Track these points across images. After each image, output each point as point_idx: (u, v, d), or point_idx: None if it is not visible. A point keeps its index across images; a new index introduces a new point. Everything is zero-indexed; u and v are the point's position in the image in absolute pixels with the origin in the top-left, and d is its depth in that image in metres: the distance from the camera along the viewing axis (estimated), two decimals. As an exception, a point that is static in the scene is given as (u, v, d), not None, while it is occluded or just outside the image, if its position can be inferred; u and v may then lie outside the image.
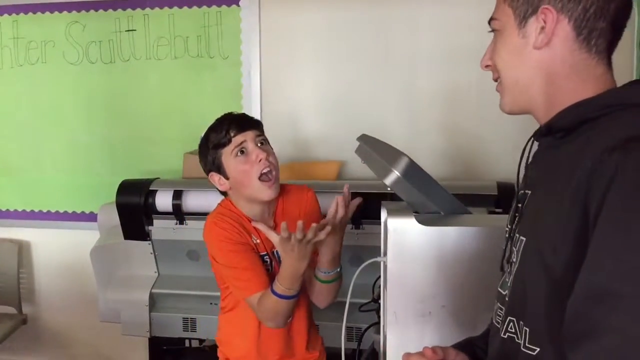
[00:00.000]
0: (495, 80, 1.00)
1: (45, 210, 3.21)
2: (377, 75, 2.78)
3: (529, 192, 0.96)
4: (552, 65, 0.90)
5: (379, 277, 1.47)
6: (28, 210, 3.23)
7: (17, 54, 3.13)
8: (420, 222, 1.30)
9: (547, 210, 0.86)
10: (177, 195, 2.46)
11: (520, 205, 0.98)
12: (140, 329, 2.59)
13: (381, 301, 1.42)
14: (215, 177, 1.65)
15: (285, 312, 1.59)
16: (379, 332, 1.46)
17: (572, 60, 0.89)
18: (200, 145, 1.68)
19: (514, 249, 0.95)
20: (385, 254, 1.36)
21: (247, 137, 1.59)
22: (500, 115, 1.09)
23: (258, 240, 1.66)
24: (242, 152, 1.59)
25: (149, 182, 2.52)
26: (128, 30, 3.01)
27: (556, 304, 0.82)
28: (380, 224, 1.44)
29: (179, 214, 2.46)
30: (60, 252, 3.24)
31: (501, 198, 2.22)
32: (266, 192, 1.60)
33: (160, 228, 2.52)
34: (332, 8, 2.80)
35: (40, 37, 3.09)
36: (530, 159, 0.99)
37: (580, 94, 0.89)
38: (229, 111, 1.70)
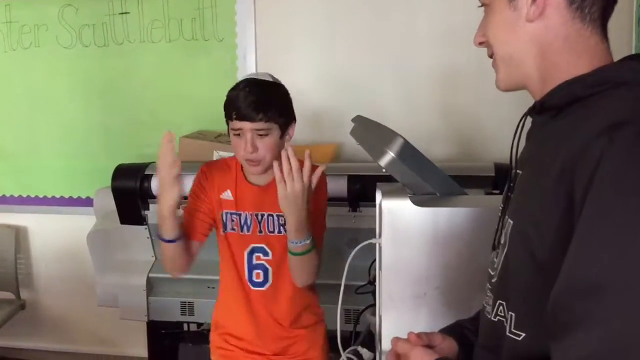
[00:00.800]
0: (491, 57, 0.97)
1: (41, 196, 3.21)
2: (373, 56, 2.76)
3: (520, 172, 0.94)
4: (545, 38, 0.87)
5: (375, 259, 1.46)
6: (24, 195, 3.23)
7: (10, 38, 3.10)
8: (415, 203, 1.28)
9: (532, 192, 0.85)
10: (173, 179, 2.44)
11: (512, 185, 0.97)
12: (138, 313, 2.59)
13: (377, 283, 1.42)
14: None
15: (170, 257, 1.65)
16: (374, 314, 1.46)
17: (565, 31, 0.86)
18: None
19: (503, 231, 0.94)
20: (380, 235, 1.35)
21: (245, 127, 1.58)
22: (498, 95, 1.07)
23: (231, 198, 1.69)
24: (239, 133, 1.60)
25: (144, 166, 2.51)
26: (122, 13, 2.98)
27: (540, 289, 0.80)
28: (376, 206, 1.43)
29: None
30: (57, 237, 3.24)
31: (499, 179, 2.21)
32: (249, 170, 1.66)
33: (156, 212, 2.50)
34: (327, -11, 2.77)
35: (33, 21, 3.06)
36: (525, 137, 0.97)
37: (575, 67, 0.86)
38: (226, 93, 1.64)
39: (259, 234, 1.69)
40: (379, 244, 1.34)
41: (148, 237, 2.56)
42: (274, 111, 1.60)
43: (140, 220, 2.53)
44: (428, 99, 2.75)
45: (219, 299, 1.83)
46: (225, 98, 1.63)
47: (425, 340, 1.02)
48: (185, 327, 2.79)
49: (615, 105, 0.78)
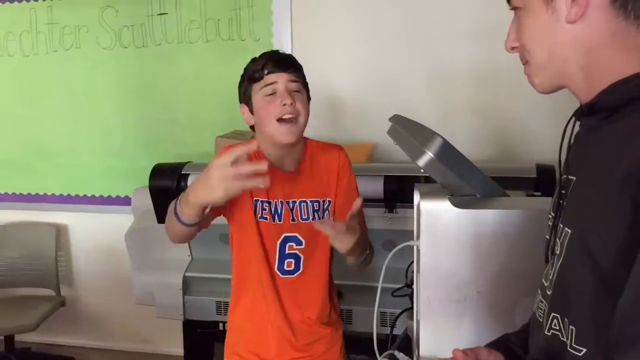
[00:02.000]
0: (524, 63, 0.92)
1: (81, 194, 3.26)
2: (410, 54, 2.72)
3: (573, 178, 0.89)
4: (589, 39, 0.82)
5: (412, 261, 1.43)
6: (65, 194, 3.29)
7: (52, 40, 3.16)
8: (455, 204, 1.25)
9: (594, 199, 0.79)
10: (209, 178, 2.45)
11: (563, 191, 0.91)
12: (174, 312, 2.61)
13: (414, 286, 1.38)
14: (244, 109, 1.62)
15: (178, 234, 1.52)
16: (412, 318, 1.43)
17: (609, 30, 0.81)
18: (242, 75, 1.64)
19: (558, 240, 0.88)
20: (418, 237, 1.31)
21: (280, 79, 1.52)
22: (537, 94, 1.03)
23: (261, 185, 1.46)
24: (270, 93, 1.53)
25: (181, 165, 2.52)
26: (160, 14, 3.01)
27: (604, 302, 0.75)
28: (413, 207, 1.40)
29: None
30: (97, 235, 3.30)
31: (540, 181, 2.15)
32: (284, 135, 1.52)
33: (188, 194, 2.51)
34: (364, -13, 2.74)
35: (74, 22, 3.12)
36: (572, 141, 0.91)
37: (624, 67, 0.81)
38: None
39: (291, 222, 1.61)
40: (417, 247, 1.31)
41: (184, 237, 2.57)
42: (302, 72, 1.60)
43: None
44: (466, 98, 2.70)
45: (237, 299, 1.71)
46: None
47: (471, 357, 0.98)
48: (221, 326, 2.79)
49: None
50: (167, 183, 2.48)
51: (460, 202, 1.26)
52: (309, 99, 1.62)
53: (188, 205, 1.37)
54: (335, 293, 1.78)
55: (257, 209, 1.59)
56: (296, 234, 1.62)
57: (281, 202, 1.61)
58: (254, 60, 1.59)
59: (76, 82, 3.16)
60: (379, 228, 2.31)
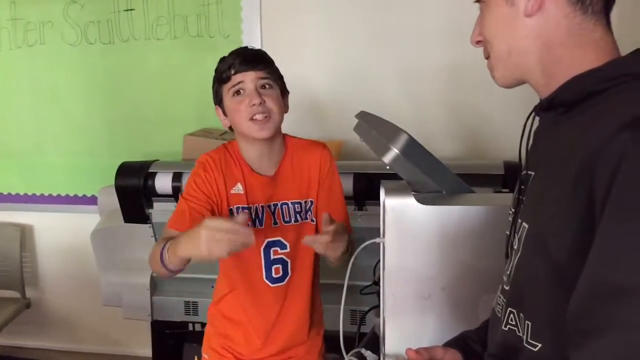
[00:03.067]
0: (487, 58, 0.93)
1: (47, 194, 3.19)
2: (380, 52, 2.72)
3: (532, 173, 0.89)
4: (546, 33, 0.83)
5: (380, 259, 1.43)
6: (30, 193, 3.21)
7: (16, 36, 3.08)
8: (420, 201, 1.24)
9: (549, 193, 0.80)
10: (177, 177, 2.42)
11: (523, 187, 0.92)
12: (141, 312, 2.57)
13: (380, 283, 1.38)
14: (219, 111, 1.60)
15: (160, 274, 1.50)
16: (379, 316, 1.42)
17: (567, 24, 0.82)
18: (214, 76, 1.62)
19: (516, 235, 0.89)
20: (384, 234, 1.31)
21: (247, 78, 1.50)
22: (506, 92, 1.03)
23: (242, 191, 1.57)
24: (238, 92, 1.51)
25: (149, 164, 2.49)
26: (127, 10, 2.95)
27: (559, 297, 0.75)
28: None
29: (178, 196, 2.42)
30: (62, 235, 3.23)
31: (508, 178, 2.16)
32: (258, 132, 1.51)
33: (161, 210, 2.48)
34: (334, -16, 2.73)
35: (38, 18, 3.04)
36: (532, 136, 0.92)
37: (581, 62, 0.82)
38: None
39: (273, 225, 1.60)
40: (383, 244, 1.31)
41: (152, 236, 2.53)
42: (273, 66, 1.57)
43: (144, 219, 2.51)
44: (435, 96, 2.70)
45: (221, 296, 1.71)
46: None
47: (425, 356, 0.98)
48: (190, 327, 2.76)
49: (633, 99, 0.74)
50: (133, 182, 2.44)
51: (425, 198, 1.26)
52: (285, 92, 1.61)
53: (175, 254, 1.36)
54: (319, 295, 1.77)
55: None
56: (279, 238, 1.61)
57: (262, 206, 1.59)
58: (222, 59, 1.57)
59: (41, 79, 3.09)
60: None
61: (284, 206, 1.61)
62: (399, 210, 1.25)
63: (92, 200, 3.01)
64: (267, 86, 1.52)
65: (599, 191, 0.69)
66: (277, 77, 1.57)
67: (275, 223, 1.60)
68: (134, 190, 2.44)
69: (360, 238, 2.21)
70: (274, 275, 1.62)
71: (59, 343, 3.34)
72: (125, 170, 2.48)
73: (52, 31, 3.03)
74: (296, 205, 1.60)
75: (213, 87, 1.60)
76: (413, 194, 1.26)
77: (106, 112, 3.02)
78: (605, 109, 0.75)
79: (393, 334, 1.28)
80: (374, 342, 1.65)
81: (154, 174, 2.45)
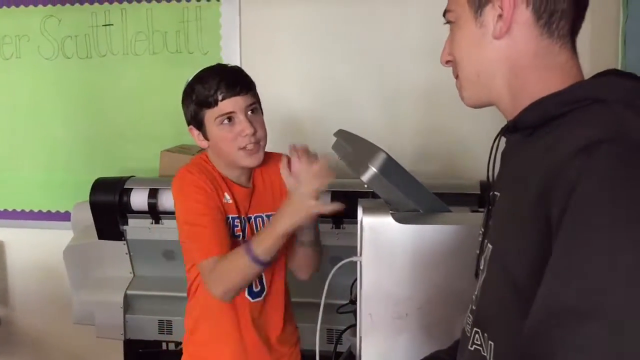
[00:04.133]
0: (456, 77, 0.94)
1: (19, 209, 3.13)
2: (357, 71, 2.74)
3: (498, 194, 0.90)
4: (514, 56, 0.84)
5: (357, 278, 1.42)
6: (2, 209, 3.14)
7: (-9, 49, 3.04)
8: (397, 220, 1.24)
9: (511, 215, 0.81)
10: (153, 193, 2.39)
11: (490, 207, 0.93)
12: (114, 331, 2.52)
13: (357, 302, 1.37)
14: (194, 132, 1.55)
15: (246, 281, 1.48)
16: (355, 335, 1.41)
17: (534, 48, 0.83)
18: (185, 91, 1.54)
19: (483, 256, 0.89)
20: (361, 253, 1.30)
21: (237, 107, 1.46)
22: (483, 112, 1.04)
23: (231, 201, 1.54)
24: (229, 119, 1.47)
25: (124, 180, 2.46)
26: (105, 25, 2.93)
27: (519, 318, 0.74)
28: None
29: (154, 213, 2.40)
30: (35, 252, 3.16)
31: (484, 197, 2.18)
32: (247, 160, 1.50)
33: (136, 227, 2.45)
34: (313, 3, 2.75)
35: (14, 32, 3.00)
36: (500, 157, 0.93)
37: (547, 85, 0.83)
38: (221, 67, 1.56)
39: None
40: (360, 262, 1.30)
41: (126, 253, 2.50)
42: (254, 85, 1.53)
43: (119, 236, 2.47)
44: (413, 115, 2.72)
45: (196, 325, 1.67)
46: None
47: None
48: (164, 346, 2.71)
49: (591, 124, 0.74)
50: (108, 198, 2.41)
51: (403, 217, 1.26)
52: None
53: (276, 239, 1.41)
54: (292, 310, 1.75)
55: (232, 227, 1.55)
56: None
57: (243, 218, 1.58)
58: (201, 80, 1.49)
59: (16, 92, 3.04)
60: (326, 244, 2.29)
61: (257, 219, 1.60)
62: (377, 229, 1.25)
63: (66, 217, 2.96)
64: (254, 110, 1.50)
65: (554, 213, 0.70)
66: (258, 99, 1.56)
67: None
68: (109, 207, 2.41)
69: (337, 256, 2.21)
70: (254, 288, 1.59)
71: (29, 362, 3.25)
72: (100, 186, 2.45)
73: (29, 45, 2.99)
74: (270, 218, 1.58)
75: (187, 106, 1.54)
76: (391, 213, 1.26)
77: (82, 127, 2.98)
78: (564, 132, 0.76)
79: (369, 353, 1.27)
80: (351, 361, 1.64)
81: (129, 190, 2.42)
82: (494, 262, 0.84)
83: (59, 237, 2.85)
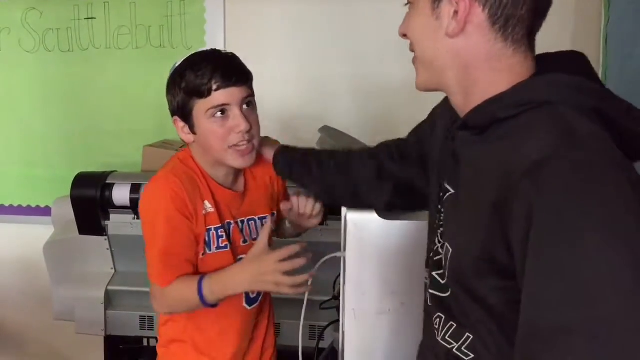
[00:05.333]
0: (412, 51, 0.94)
1: (-1, 204, 3.09)
2: (344, 68, 2.74)
3: (452, 189, 0.91)
4: (465, 55, 0.84)
5: (340, 273, 1.42)
6: (-20, 203, 3.10)
7: (-30, 41, 2.99)
8: (381, 215, 1.25)
9: (468, 221, 0.82)
10: (135, 189, 2.37)
11: (442, 195, 0.93)
12: (95, 327, 2.50)
13: (340, 298, 1.37)
14: (179, 124, 1.39)
15: (191, 310, 1.42)
16: (338, 330, 1.41)
17: (487, 49, 0.83)
18: (172, 77, 1.37)
19: (441, 251, 0.90)
20: (345, 249, 1.31)
21: (232, 99, 1.29)
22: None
23: (212, 209, 1.38)
24: (222, 112, 1.31)
25: (106, 175, 2.43)
26: (87, 18, 2.90)
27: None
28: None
29: (136, 208, 2.37)
30: (14, 247, 3.12)
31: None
32: (238, 161, 1.35)
33: (117, 223, 2.42)
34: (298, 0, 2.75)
35: (-6, 24, 2.97)
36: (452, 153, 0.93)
37: (495, 87, 0.83)
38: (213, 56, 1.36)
39: (242, 244, 1.46)
40: (343, 258, 1.30)
41: (108, 249, 2.48)
42: (251, 76, 1.36)
43: (100, 231, 2.44)
44: (397, 111, 2.73)
45: (184, 339, 1.54)
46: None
47: None
48: (145, 342, 2.69)
49: (540, 134, 0.75)
50: (90, 193, 2.38)
51: (386, 213, 1.26)
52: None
53: (229, 294, 1.37)
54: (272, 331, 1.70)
55: (211, 239, 1.41)
56: None
57: (228, 223, 1.44)
58: (193, 65, 1.32)
59: (-4, 85, 3.00)
60: (310, 240, 2.28)
61: (250, 222, 1.49)
62: (360, 225, 1.25)
63: (46, 212, 2.93)
64: (250, 105, 1.35)
65: (516, 233, 0.71)
66: (253, 91, 1.39)
67: (245, 241, 1.47)
68: (90, 201, 2.38)
69: (320, 252, 2.22)
70: (251, 295, 1.51)
71: (7, 358, 3.21)
72: (82, 181, 2.42)
73: (9, 37, 2.95)
74: (263, 221, 1.48)
75: (174, 95, 1.37)
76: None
77: (64, 121, 2.95)
78: (514, 144, 0.77)
79: (352, 349, 1.28)
80: (333, 357, 1.64)
81: (111, 185, 2.39)
82: (455, 265, 0.86)
83: (39, 232, 2.81)
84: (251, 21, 2.79)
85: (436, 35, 0.85)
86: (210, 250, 1.41)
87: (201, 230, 1.38)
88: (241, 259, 1.43)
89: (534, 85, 0.82)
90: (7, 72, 2.98)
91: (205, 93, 1.29)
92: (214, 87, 1.28)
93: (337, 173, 1.29)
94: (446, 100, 0.95)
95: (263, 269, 1.29)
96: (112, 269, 2.51)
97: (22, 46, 2.95)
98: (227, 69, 1.30)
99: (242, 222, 1.47)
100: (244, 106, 1.33)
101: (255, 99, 1.42)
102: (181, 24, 2.83)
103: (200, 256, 1.40)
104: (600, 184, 0.68)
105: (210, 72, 1.28)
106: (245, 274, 1.32)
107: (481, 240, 0.77)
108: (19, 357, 3.20)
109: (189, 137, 1.40)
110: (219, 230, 1.40)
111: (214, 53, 1.36)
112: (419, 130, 1.17)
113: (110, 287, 2.48)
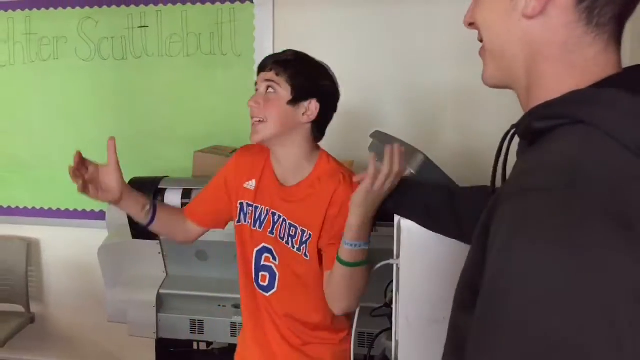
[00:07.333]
0: (480, 41, 0.80)
1: (55, 208, 3.19)
2: (391, 74, 2.72)
3: None
4: (540, 41, 0.71)
5: (392, 281, 1.40)
6: (38, 207, 3.21)
7: (30, 50, 3.11)
8: (435, 222, 1.23)
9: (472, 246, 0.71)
10: (187, 193, 2.40)
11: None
12: (147, 330, 2.54)
13: (393, 306, 1.35)
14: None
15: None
16: (390, 339, 1.39)
17: (564, 36, 0.70)
18: None
19: None
20: (398, 256, 1.29)
21: (260, 80, 1.47)
22: (517, 116, 0.99)
23: (252, 188, 1.54)
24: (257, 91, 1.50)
25: (158, 180, 2.47)
26: (140, 27, 2.97)
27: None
28: (393, 225, 1.37)
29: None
30: (69, 250, 3.22)
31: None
32: (251, 135, 1.47)
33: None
34: (346, 5, 2.75)
35: (52, 33, 3.07)
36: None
37: (560, 83, 0.70)
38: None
39: (269, 234, 1.50)
40: (397, 265, 1.29)
41: (159, 252, 2.52)
42: (291, 68, 1.46)
43: (152, 235, 2.48)
44: (446, 117, 2.70)
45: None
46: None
47: None
48: (195, 345, 2.73)
49: (549, 159, 0.63)
50: (143, 197, 2.43)
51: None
52: (300, 101, 1.46)
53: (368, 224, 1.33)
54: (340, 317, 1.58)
55: (241, 211, 1.56)
56: (272, 247, 1.50)
57: (267, 209, 1.51)
58: None
59: (53, 93, 3.10)
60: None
61: (283, 223, 1.49)
62: (415, 232, 1.23)
63: (99, 215, 3.01)
64: (271, 89, 1.45)
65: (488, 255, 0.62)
66: (291, 78, 1.45)
67: (272, 232, 1.50)
68: (143, 206, 2.43)
69: (370, 259, 2.20)
70: (260, 281, 1.54)
71: (62, 359, 3.30)
72: (135, 186, 2.41)
73: (66, 46, 3.05)
74: (292, 229, 1.47)
75: None
76: (428, 215, 1.25)
77: (117, 127, 3.03)
78: (529, 161, 0.67)
79: (406, 357, 1.26)
80: (384, 365, 1.62)
81: (163, 190, 2.43)
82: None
83: (93, 235, 2.89)
84: (299, 27, 2.81)
85: (510, 19, 0.72)
86: (240, 221, 1.57)
87: (234, 198, 1.58)
88: (265, 247, 1.52)
89: (581, 97, 0.67)
90: (64, 80, 3.08)
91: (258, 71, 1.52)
92: (260, 69, 1.50)
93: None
94: None
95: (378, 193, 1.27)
96: (163, 272, 2.56)
97: (78, 55, 3.04)
98: (270, 57, 1.51)
99: (279, 216, 1.50)
100: (269, 89, 1.46)
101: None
102: (231, 31, 2.87)
103: (236, 223, 1.58)
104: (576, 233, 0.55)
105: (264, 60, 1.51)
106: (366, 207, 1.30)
107: (468, 266, 0.69)
108: (72, 358, 3.29)
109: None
110: (248, 207, 1.55)
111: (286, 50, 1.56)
112: None
113: (162, 291, 2.52)
